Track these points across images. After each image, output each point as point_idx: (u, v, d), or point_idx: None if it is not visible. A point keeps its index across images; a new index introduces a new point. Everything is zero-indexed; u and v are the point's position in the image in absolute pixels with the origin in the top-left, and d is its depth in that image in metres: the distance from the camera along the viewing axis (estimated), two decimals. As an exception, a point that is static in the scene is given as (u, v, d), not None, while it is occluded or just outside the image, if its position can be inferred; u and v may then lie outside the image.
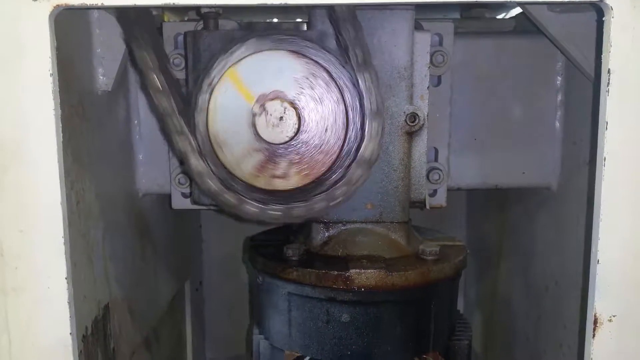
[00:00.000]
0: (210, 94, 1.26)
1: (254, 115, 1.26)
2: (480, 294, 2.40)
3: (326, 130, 1.26)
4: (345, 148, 1.28)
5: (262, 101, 1.25)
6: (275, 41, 1.25)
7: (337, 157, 1.28)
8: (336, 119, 1.26)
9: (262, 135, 1.26)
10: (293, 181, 1.28)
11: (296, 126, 1.25)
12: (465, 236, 2.48)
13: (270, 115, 1.25)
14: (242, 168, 1.28)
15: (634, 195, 1.06)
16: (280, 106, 1.25)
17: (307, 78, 1.25)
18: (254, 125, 1.26)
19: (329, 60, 1.25)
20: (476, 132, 1.68)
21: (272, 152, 1.27)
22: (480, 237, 2.38)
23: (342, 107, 1.26)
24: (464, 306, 2.46)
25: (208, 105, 1.27)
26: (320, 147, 1.27)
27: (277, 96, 1.25)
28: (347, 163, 1.28)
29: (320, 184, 1.28)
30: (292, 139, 1.26)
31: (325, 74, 1.25)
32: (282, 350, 1.41)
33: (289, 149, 1.27)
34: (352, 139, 1.27)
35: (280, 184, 1.29)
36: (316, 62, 1.25)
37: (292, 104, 1.25)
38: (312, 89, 1.25)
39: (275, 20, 2.16)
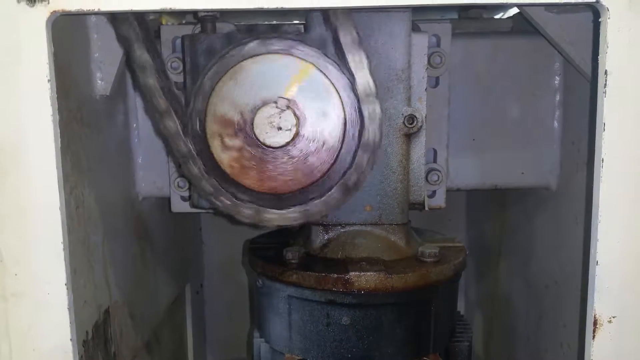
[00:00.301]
0: (208, 99, 1.26)
1: (252, 120, 1.26)
2: (480, 294, 2.40)
3: (325, 124, 1.26)
4: (347, 138, 1.27)
5: (259, 106, 1.25)
6: (289, 46, 1.25)
7: (340, 149, 1.27)
8: (334, 113, 1.25)
9: (261, 140, 1.26)
10: (298, 181, 1.28)
11: (295, 128, 1.25)
12: (464, 237, 2.48)
13: (268, 119, 1.25)
14: (244, 174, 1.28)
15: (633, 197, 1.06)
16: (277, 109, 1.25)
17: (314, 90, 1.25)
18: (252, 130, 1.26)
19: (339, 77, 1.24)
20: (474, 132, 1.68)
21: (273, 156, 1.27)
22: (479, 237, 2.38)
23: (337, 100, 1.25)
24: (464, 306, 2.46)
25: (206, 110, 1.27)
26: (322, 144, 1.27)
27: (273, 100, 1.25)
28: (352, 151, 1.27)
29: (329, 177, 1.27)
30: (292, 140, 1.26)
31: (332, 90, 1.25)
32: (283, 353, 1.41)
33: (290, 151, 1.27)
34: (352, 128, 1.26)
35: (287, 186, 1.28)
36: (326, 76, 1.25)
37: (289, 106, 1.25)
38: (316, 100, 1.25)
39: (274, 22, 2.17)
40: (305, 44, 1.26)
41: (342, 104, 1.26)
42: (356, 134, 1.26)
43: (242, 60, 1.26)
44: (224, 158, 1.29)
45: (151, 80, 1.24)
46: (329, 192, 1.28)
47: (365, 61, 1.21)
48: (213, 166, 1.29)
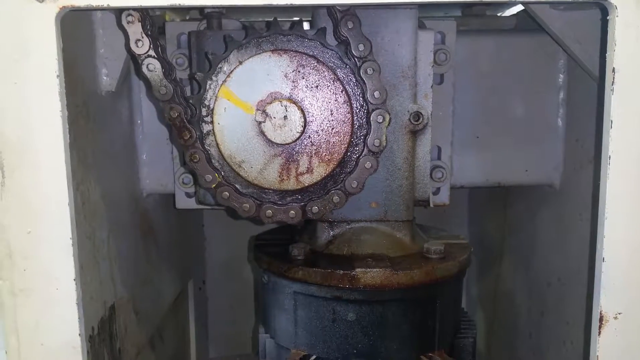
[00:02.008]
0: (212, 117, 1.26)
1: (258, 123, 1.26)
2: (482, 291, 2.41)
3: (332, 112, 1.26)
4: (356, 121, 1.27)
5: (262, 107, 1.25)
6: (255, 46, 1.25)
7: (352, 132, 1.27)
8: (337, 98, 1.25)
9: (273, 140, 1.26)
10: (319, 172, 1.28)
11: (302, 120, 1.25)
12: (467, 234, 2.49)
13: (274, 118, 1.25)
14: (267, 178, 1.29)
15: (639, 193, 1.06)
16: (280, 106, 1.25)
17: (297, 70, 1.24)
18: (262, 133, 1.26)
19: (312, 46, 1.24)
20: (479, 130, 1.69)
21: (289, 153, 1.27)
22: (482, 234, 2.38)
23: (338, 84, 1.25)
24: (466, 304, 2.47)
25: (213, 129, 1.27)
26: (332, 129, 1.27)
27: (275, 97, 1.25)
28: (364, 133, 1.27)
29: (349, 159, 1.27)
30: (302, 133, 1.26)
31: (312, 60, 1.24)
32: (288, 349, 1.42)
33: (304, 143, 1.27)
34: (360, 110, 1.26)
35: (308, 179, 1.29)
36: (301, 52, 1.24)
37: (291, 100, 1.25)
38: (305, 78, 1.25)
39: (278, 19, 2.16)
40: (307, 38, 1.25)
41: (337, 75, 1.25)
42: (361, 96, 1.25)
43: (231, 72, 1.25)
44: (265, 179, 1.30)
45: (156, 73, 1.23)
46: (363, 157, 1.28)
47: (369, 50, 1.21)
48: (241, 182, 1.29)
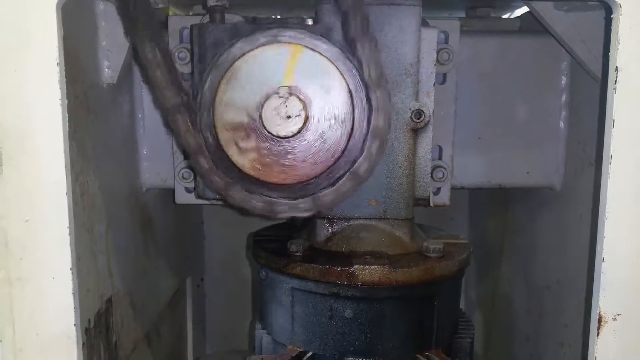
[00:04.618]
0: (216, 89, 1.26)
1: (260, 110, 1.25)
2: (481, 292, 2.40)
3: (334, 118, 1.25)
4: (355, 133, 1.26)
5: (268, 95, 1.25)
6: (277, 35, 1.24)
7: (346, 145, 1.27)
8: (342, 106, 1.25)
9: (270, 130, 1.25)
10: (304, 172, 1.28)
11: (303, 118, 1.25)
12: (467, 235, 2.48)
13: (277, 109, 1.25)
14: (252, 164, 1.28)
15: (640, 194, 1.06)
16: (286, 99, 1.25)
17: (324, 80, 1.24)
18: (261, 120, 1.25)
19: (349, 68, 1.24)
20: (480, 131, 1.68)
21: (281, 146, 1.27)
22: (482, 236, 2.38)
23: (350, 117, 1.26)
24: (464, 305, 2.46)
25: (214, 101, 1.26)
26: (329, 136, 1.26)
27: (282, 90, 1.25)
28: (359, 145, 1.26)
29: (339, 168, 1.27)
30: (300, 131, 1.26)
31: (342, 81, 1.24)
32: (285, 345, 1.41)
33: (298, 142, 1.27)
34: (360, 121, 1.26)
35: (292, 177, 1.28)
36: (319, 53, 1.24)
37: (298, 97, 1.25)
38: (326, 92, 1.25)
39: (279, 16, 2.16)
40: (311, 33, 1.25)
41: (350, 91, 1.25)
42: (365, 103, 1.24)
43: (248, 52, 1.25)
44: (239, 157, 1.29)
45: (158, 73, 1.22)
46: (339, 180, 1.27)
47: (373, 47, 1.20)
48: (225, 160, 1.28)
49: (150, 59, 1.19)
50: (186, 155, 1.46)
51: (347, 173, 1.25)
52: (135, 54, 1.38)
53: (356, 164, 1.25)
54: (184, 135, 1.23)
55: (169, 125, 1.27)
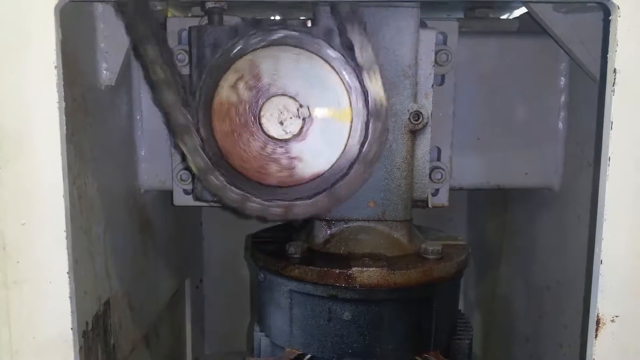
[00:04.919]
0: (219, 82, 1.26)
1: (260, 109, 1.25)
2: (480, 293, 2.40)
3: (332, 120, 1.25)
4: (348, 147, 1.27)
5: (271, 95, 1.25)
6: (275, 37, 1.24)
7: (341, 155, 1.27)
8: (340, 107, 1.25)
9: (267, 130, 1.25)
10: (296, 176, 1.28)
11: (301, 123, 1.25)
12: (465, 236, 2.48)
13: (277, 110, 1.25)
14: (245, 162, 1.28)
15: (638, 195, 1.05)
16: (287, 102, 1.25)
17: (318, 78, 1.24)
18: (259, 119, 1.25)
19: (341, 63, 1.24)
20: (479, 132, 1.68)
21: (276, 147, 1.27)
22: (481, 237, 2.38)
23: (347, 108, 1.26)
24: (463, 306, 2.46)
25: (215, 94, 1.26)
26: (324, 144, 1.27)
27: (285, 92, 1.25)
28: (350, 161, 1.27)
29: (326, 179, 1.27)
30: (296, 135, 1.26)
31: (339, 83, 1.24)
32: (283, 347, 1.41)
33: (293, 145, 1.27)
34: (356, 139, 1.26)
35: (283, 179, 1.28)
36: (329, 63, 1.24)
37: (296, 99, 1.25)
38: (323, 93, 1.25)
39: (277, 17, 2.16)
40: (310, 35, 1.25)
41: (348, 92, 1.25)
42: (363, 126, 1.25)
43: (256, 49, 1.25)
44: (235, 155, 1.29)
45: (169, 95, 1.22)
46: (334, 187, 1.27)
47: (369, 47, 1.21)
48: (218, 155, 1.28)
49: (161, 78, 1.19)
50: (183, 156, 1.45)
51: (343, 176, 1.26)
52: (136, 54, 1.38)
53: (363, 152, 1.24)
54: (192, 156, 1.24)
55: (177, 146, 1.28)
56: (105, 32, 1.38)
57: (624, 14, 1.00)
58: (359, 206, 1.41)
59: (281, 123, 1.25)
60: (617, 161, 1.03)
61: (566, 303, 1.66)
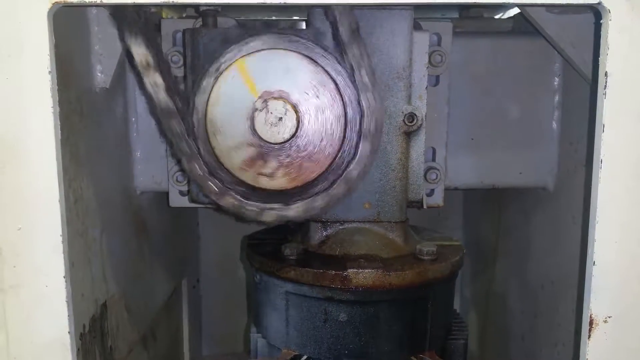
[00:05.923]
0: (216, 79, 1.26)
1: (254, 109, 1.26)
2: (475, 293, 2.41)
3: (322, 140, 1.27)
4: (337, 162, 1.28)
5: (266, 98, 1.25)
6: (290, 42, 1.25)
7: (327, 168, 1.28)
8: (334, 131, 1.27)
9: (258, 132, 1.26)
10: (279, 182, 1.29)
11: (294, 129, 1.26)
12: (461, 236, 2.49)
13: (271, 113, 1.25)
14: (232, 159, 1.28)
15: (630, 197, 1.06)
16: (282, 106, 1.25)
17: (315, 86, 1.25)
18: (252, 120, 1.26)
19: (340, 73, 1.25)
20: (473, 132, 1.69)
21: (264, 150, 1.27)
22: (476, 236, 2.39)
23: (342, 121, 1.27)
24: (459, 305, 2.47)
25: (211, 89, 1.26)
26: (313, 155, 1.28)
27: (281, 96, 1.26)
28: (334, 177, 1.28)
29: (304, 190, 1.28)
30: (287, 141, 1.26)
31: (332, 86, 1.25)
32: (280, 348, 1.42)
33: (282, 151, 1.27)
34: (346, 154, 1.27)
35: (266, 183, 1.29)
36: (327, 72, 1.25)
37: (294, 107, 1.26)
38: (317, 97, 1.26)
39: (273, 18, 2.16)
40: (303, 38, 1.26)
41: (341, 95, 1.26)
42: (354, 144, 1.26)
43: (257, 51, 1.26)
44: (229, 159, 1.29)
45: (157, 78, 1.23)
46: (332, 186, 1.28)
47: (364, 52, 1.21)
48: (207, 150, 1.29)
49: (165, 110, 1.20)
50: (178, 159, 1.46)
51: (340, 177, 1.26)
52: (129, 58, 1.38)
53: (349, 168, 1.26)
54: (200, 181, 1.26)
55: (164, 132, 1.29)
56: (100, 35, 1.38)
57: (615, 17, 1.00)
58: (354, 208, 1.41)
59: (273, 126, 1.25)
60: (609, 164, 1.04)
61: (561, 302, 1.67)
